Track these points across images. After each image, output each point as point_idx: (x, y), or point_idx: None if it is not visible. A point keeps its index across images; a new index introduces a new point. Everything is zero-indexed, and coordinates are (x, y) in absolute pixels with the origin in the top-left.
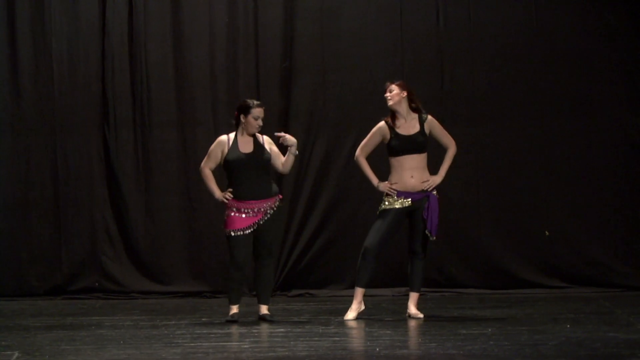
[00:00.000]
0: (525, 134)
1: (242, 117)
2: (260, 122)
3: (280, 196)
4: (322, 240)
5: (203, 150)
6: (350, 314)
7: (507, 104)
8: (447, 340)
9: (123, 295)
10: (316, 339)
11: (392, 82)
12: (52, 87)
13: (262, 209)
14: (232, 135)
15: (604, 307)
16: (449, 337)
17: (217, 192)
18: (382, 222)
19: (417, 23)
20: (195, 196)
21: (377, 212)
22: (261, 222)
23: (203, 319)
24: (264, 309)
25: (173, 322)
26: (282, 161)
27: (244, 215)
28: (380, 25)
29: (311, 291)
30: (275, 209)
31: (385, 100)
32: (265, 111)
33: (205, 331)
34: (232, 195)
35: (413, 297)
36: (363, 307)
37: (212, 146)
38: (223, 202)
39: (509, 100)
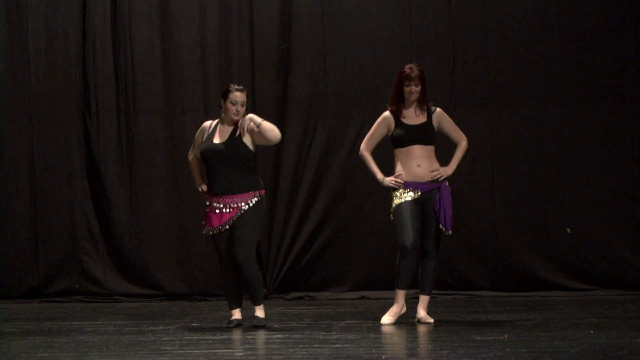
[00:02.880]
0: (544, 121)
1: (222, 101)
2: (239, 108)
3: (262, 191)
4: (323, 239)
5: (192, 139)
6: (387, 318)
7: (524, 89)
8: (460, 348)
9: (106, 298)
10: (316, 345)
11: (415, 70)
12: (28, 70)
13: (237, 205)
14: (214, 122)
15: (630, 311)
16: (462, 343)
17: (198, 182)
18: (402, 217)
19: (427, 1)
20: (184, 189)
21: (392, 213)
22: (235, 219)
23: (193, 324)
24: (256, 311)
25: (160, 328)
26: (267, 136)
27: (217, 212)
28: (386, 3)
29: (311, 294)
30: (251, 204)
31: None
32: (260, 98)
33: (195, 337)
34: (206, 188)
35: (423, 300)
36: (404, 310)
37: (196, 133)
38: (202, 192)
39: (526, 85)
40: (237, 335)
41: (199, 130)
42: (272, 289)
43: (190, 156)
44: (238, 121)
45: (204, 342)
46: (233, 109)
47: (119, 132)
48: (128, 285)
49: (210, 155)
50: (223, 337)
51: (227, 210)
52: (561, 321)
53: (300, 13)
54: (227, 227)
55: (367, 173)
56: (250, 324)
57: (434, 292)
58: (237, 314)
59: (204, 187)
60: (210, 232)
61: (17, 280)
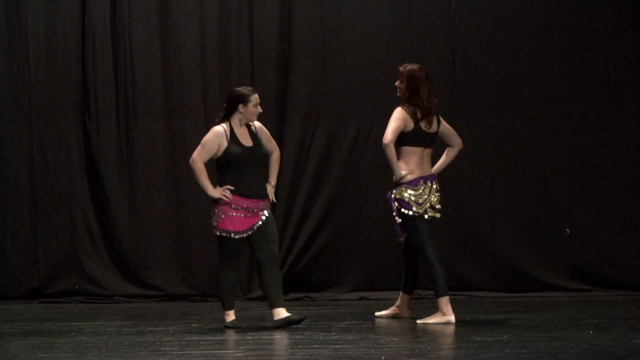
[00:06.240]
0: (544, 122)
1: (241, 106)
2: (259, 109)
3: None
4: (323, 239)
5: (192, 141)
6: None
7: (524, 90)
8: (460, 348)
9: (105, 298)
10: (316, 346)
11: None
12: (28, 71)
13: (259, 209)
14: (226, 126)
15: (630, 312)
16: (462, 344)
17: (212, 188)
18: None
19: (427, 1)
20: (184, 191)
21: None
22: (259, 224)
23: (193, 325)
24: (283, 312)
25: (160, 328)
26: (273, 144)
27: (242, 215)
28: (386, 3)
29: (311, 294)
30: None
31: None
32: (260, 98)
33: (195, 338)
34: (230, 194)
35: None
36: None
37: (208, 137)
38: (221, 199)
39: (526, 86)
40: (236, 336)
41: (213, 135)
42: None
43: (199, 161)
44: (251, 125)
45: (203, 342)
46: (256, 110)
47: (119, 132)
48: (128, 286)
49: (244, 158)
50: (222, 337)
51: (252, 214)
52: (561, 322)
53: (300, 13)
54: (251, 232)
55: (368, 172)
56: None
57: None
58: (233, 315)
59: (228, 192)
60: (235, 236)
61: (17, 281)
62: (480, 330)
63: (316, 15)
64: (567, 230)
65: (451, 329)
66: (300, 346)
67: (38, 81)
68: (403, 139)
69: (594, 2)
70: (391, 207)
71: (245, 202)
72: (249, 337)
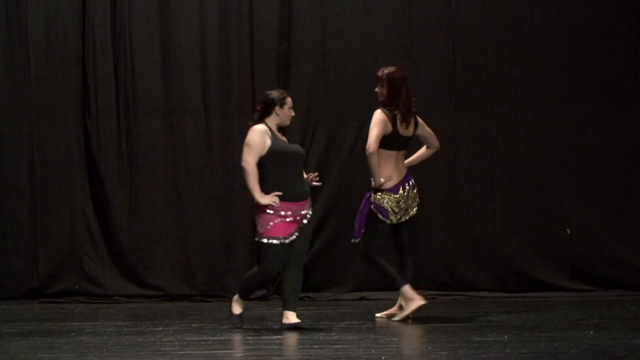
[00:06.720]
0: (544, 122)
1: (277, 109)
2: (293, 112)
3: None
4: (323, 239)
5: (192, 141)
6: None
7: (524, 90)
8: (459, 348)
9: (105, 298)
10: (316, 346)
11: None
12: (28, 71)
13: (302, 212)
14: (265, 126)
15: (630, 312)
16: (461, 344)
17: (260, 193)
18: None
19: (427, 2)
20: (184, 191)
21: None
22: (301, 226)
23: (193, 325)
24: (293, 317)
25: (160, 329)
26: None
27: (289, 220)
28: (386, 4)
29: (311, 294)
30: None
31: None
32: (260, 98)
33: (195, 338)
34: (278, 200)
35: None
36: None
37: (253, 136)
38: (270, 206)
39: (526, 86)
40: (236, 336)
41: (259, 134)
42: (272, 289)
43: (253, 163)
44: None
45: (203, 342)
46: (290, 113)
47: (119, 132)
48: (128, 286)
49: (293, 158)
50: (223, 337)
51: (299, 216)
52: (561, 322)
53: (300, 14)
54: (298, 232)
55: (367, 173)
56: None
57: (435, 293)
58: (243, 307)
59: (276, 198)
60: (285, 241)
61: (17, 281)
62: (480, 330)
63: (316, 16)
64: (568, 230)
65: (451, 329)
66: (300, 346)
67: (38, 81)
68: (380, 142)
69: (594, 2)
70: (363, 207)
71: (292, 207)
72: (249, 337)
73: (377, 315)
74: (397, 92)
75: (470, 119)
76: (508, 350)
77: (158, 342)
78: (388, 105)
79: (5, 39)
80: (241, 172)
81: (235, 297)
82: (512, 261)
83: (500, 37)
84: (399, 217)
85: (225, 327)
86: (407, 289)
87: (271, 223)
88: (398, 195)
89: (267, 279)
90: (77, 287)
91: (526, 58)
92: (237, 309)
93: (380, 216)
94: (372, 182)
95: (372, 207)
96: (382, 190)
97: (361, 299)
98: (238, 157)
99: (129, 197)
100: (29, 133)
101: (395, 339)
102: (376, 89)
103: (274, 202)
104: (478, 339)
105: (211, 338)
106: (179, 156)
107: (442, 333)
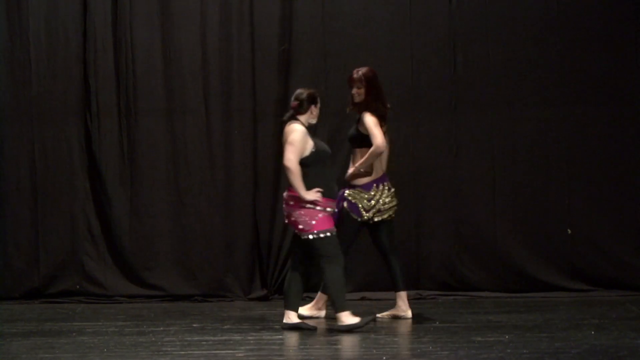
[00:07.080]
0: (545, 122)
1: (313, 107)
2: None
3: None
4: None
5: (193, 141)
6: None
7: (525, 90)
8: (460, 349)
9: (106, 298)
10: (317, 346)
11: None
12: (29, 70)
13: (336, 210)
14: (302, 125)
15: (631, 312)
16: (462, 344)
17: (305, 190)
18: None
19: (427, 2)
20: (185, 190)
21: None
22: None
23: (194, 325)
24: (294, 317)
25: (161, 329)
26: None
27: (327, 215)
28: (386, 4)
29: (311, 294)
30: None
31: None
32: (260, 98)
33: (196, 338)
34: (321, 197)
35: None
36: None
37: (298, 136)
38: (316, 201)
39: (527, 86)
40: (237, 336)
41: (302, 134)
42: (272, 289)
43: (296, 162)
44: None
45: (204, 342)
46: (318, 112)
47: (120, 132)
48: (129, 286)
49: (329, 157)
50: (224, 337)
51: (333, 213)
52: (562, 322)
53: (301, 14)
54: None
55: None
56: (241, 325)
57: (435, 293)
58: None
59: (319, 194)
60: (330, 234)
61: (18, 281)
62: (481, 330)
63: (317, 16)
64: (568, 230)
65: (452, 329)
66: (301, 346)
67: (39, 81)
68: (365, 141)
69: (594, 2)
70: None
71: (329, 204)
72: (249, 338)
73: (378, 315)
74: (377, 91)
75: (471, 119)
76: (509, 351)
77: (159, 342)
78: (372, 105)
79: (6, 38)
80: (285, 170)
81: (339, 314)
82: (513, 261)
83: (501, 37)
84: (371, 214)
85: (226, 327)
86: (402, 294)
87: (317, 217)
88: (371, 193)
89: (344, 268)
90: (78, 287)
91: (526, 58)
92: (352, 319)
93: (354, 215)
94: (346, 175)
95: (344, 204)
96: (354, 187)
97: (362, 299)
98: (239, 156)
99: (130, 197)
100: (29, 133)
101: (396, 339)
102: (353, 91)
103: (318, 197)
104: (479, 339)
105: (212, 338)
106: (179, 156)
107: (443, 333)
